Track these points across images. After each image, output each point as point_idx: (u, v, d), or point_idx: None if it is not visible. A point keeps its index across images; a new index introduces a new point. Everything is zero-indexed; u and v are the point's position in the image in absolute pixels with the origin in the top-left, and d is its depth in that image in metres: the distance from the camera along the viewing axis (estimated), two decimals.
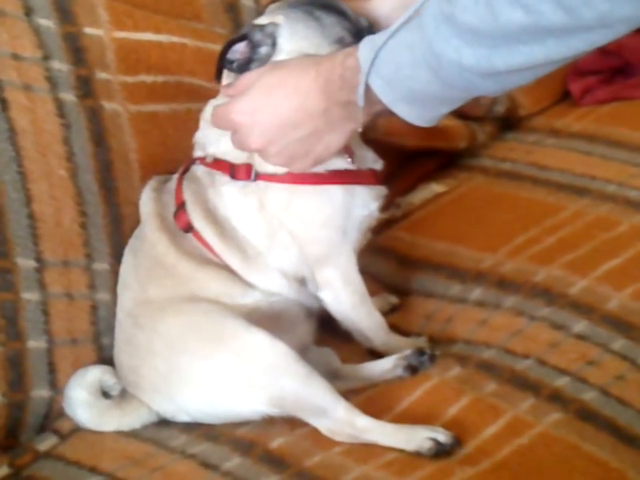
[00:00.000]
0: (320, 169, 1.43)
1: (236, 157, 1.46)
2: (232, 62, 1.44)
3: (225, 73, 1.47)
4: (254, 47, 1.43)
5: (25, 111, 1.49)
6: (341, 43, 1.41)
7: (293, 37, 1.43)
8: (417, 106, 1.26)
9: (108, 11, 1.60)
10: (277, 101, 1.34)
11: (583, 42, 1.09)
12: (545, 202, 1.76)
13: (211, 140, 1.49)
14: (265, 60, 1.43)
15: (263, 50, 1.43)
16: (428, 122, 1.28)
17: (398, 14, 1.31)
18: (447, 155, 2.01)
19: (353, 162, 1.46)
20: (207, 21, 1.74)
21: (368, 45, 1.26)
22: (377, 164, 1.52)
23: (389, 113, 1.27)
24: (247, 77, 1.40)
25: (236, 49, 1.44)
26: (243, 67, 1.44)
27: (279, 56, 1.43)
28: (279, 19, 1.45)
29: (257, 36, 1.43)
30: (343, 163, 1.46)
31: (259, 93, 1.36)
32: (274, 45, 1.43)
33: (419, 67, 1.20)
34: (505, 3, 1.09)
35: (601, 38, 1.08)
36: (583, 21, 1.06)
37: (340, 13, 1.45)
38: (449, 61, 1.16)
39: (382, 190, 1.52)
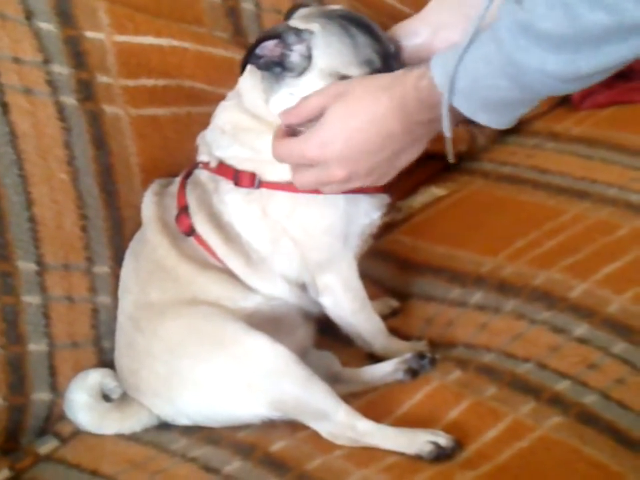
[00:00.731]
0: None
1: (241, 162, 1.47)
2: (259, 57, 1.42)
3: (248, 69, 1.46)
4: (285, 47, 1.42)
5: (26, 114, 1.49)
6: (370, 66, 1.41)
7: (327, 50, 1.42)
8: (496, 112, 1.27)
9: (109, 14, 1.60)
10: (354, 131, 1.34)
11: None
12: (545, 205, 1.76)
13: (221, 145, 1.49)
14: (299, 71, 1.42)
15: (296, 58, 1.42)
16: (507, 124, 1.30)
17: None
18: (447, 159, 2.01)
19: None
20: (208, 24, 1.75)
21: (439, 64, 1.27)
22: None
23: (469, 120, 1.29)
24: (308, 103, 1.39)
25: (266, 45, 1.42)
26: (270, 65, 1.43)
27: (313, 72, 1.42)
28: (315, 27, 1.43)
29: (291, 38, 1.42)
30: None
31: (333, 126, 1.35)
32: (309, 55, 1.42)
33: (497, 78, 1.21)
34: (585, 7, 1.10)
35: None
36: None
37: (372, 34, 1.44)
38: (531, 70, 1.17)
39: (384, 198, 1.51)
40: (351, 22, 1.44)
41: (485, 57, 1.22)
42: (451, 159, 1.38)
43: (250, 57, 1.43)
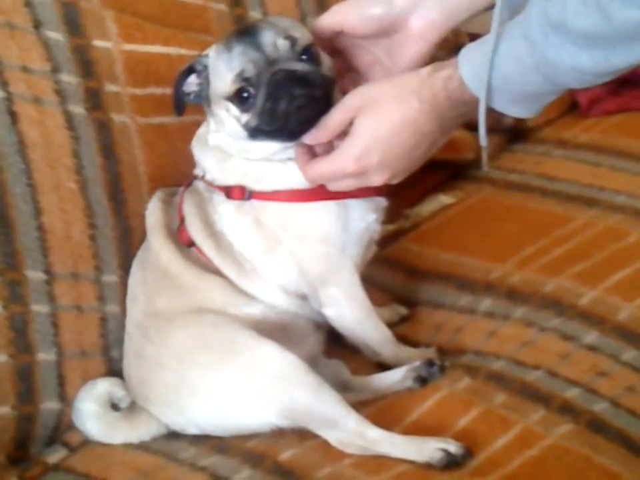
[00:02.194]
0: (309, 184, 1.44)
1: (225, 181, 1.47)
2: (188, 94, 1.46)
3: None
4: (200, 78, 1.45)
5: (35, 123, 1.49)
6: (241, 76, 1.39)
7: (214, 72, 1.44)
8: (526, 103, 1.30)
9: (117, 23, 1.60)
10: (389, 137, 1.35)
11: None
12: (553, 213, 1.76)
13: (206, 167, 1.50)
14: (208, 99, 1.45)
15: (204, 82, 1.44)
16: (535, 113, 1.32)
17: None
18: (455, 167, 2.01)
19: None
20: (216, 33, 1.74)
21: (467, 63, 1.28)
22: None
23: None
24: (333, 120, 1.38)
25: (190, 81, 1.46)
26: (200, 97, 1.46)
27: (211, 98, 1.44)
28: (212, 49, 1.45)
29: (197, 66, 1.45)
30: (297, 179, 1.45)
31: (365, 137, 1.35)
32: (207, 80, 1.44)
33: (530, 74, 1.23)
34: (618, 5, 1.10)
35: None
36: None
37: (254, 40, 1.39)
38: (565, 67, 1.19)
39: (381, 201, 1.51)
40: (239, 33, 1.43)
41: (516, 55, 1.23)
42: (485, 167, 1.39)
43: (178, 96, 1.46)
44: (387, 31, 1.43)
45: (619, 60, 1.16)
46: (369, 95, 1.37)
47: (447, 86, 1.31)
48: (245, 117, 1.41)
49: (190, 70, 1.45)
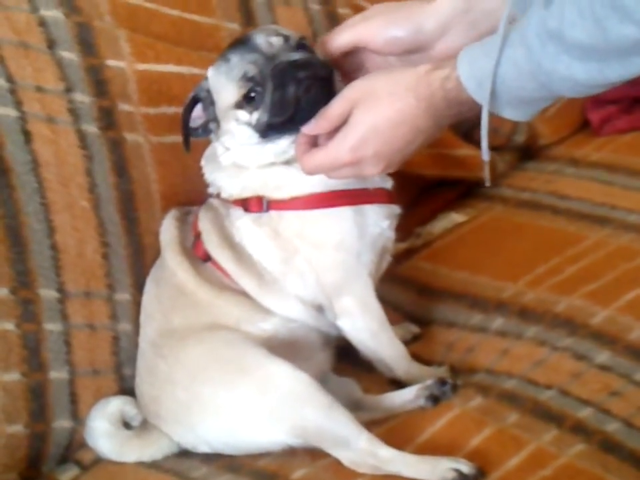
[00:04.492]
0: (328, 188, 1.45)
1: (242, 194, 1.48)
2: (197, 129, 1.48)
3: None
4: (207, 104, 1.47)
5: (48, 142, 1.50)
6: (244, 78, 1.42)
7: (216, 87, 1.46)
8: (521, 107, 1.30)
9: (130, 43, 1.61)
10: (385, 130, 1.35)
11: None
12: (565, 231, 1.76)
13: (221, 185, 1.51)
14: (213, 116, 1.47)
15: (209, 108, 1.47)
16: (530, 117, 1.33)
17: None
18: (467, 185, 2.01)
19: (384, 183, 1.51)
20: None
21: (465, 64, 1.29)
22: (387, 183, 1.52)
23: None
24: (331, 110, 1.39)
25: (195, 115, 1.48)
26: (206, 130, 1.48)
27: (220, 115, 1.46)
28: (209, 71, 1.47)
29: (201, 93, 1.47)
30: (351, 182, 1.46)
31: (362, 128, 1.36)
32: (212, 101, 1.46)
33: (525, 80, 1.24)
34: (615, 20, 1.11)
35: None
36: None
37: (248, 45, 1.43)
38: (560, 76, 1.20)
39: (394, 209, 1.52)
40: (231, 45, 1.46)
41: (513, 60, 1.24)
42: (487, 182, 1.40)
43: (186, 133, 1.47)
44: (409, 51, 1.44)
45: (613, 74, 1.17)
46: (366, 88, 1.38)
47: (444, 86, 1.32)
48: (256, 115, 1.43)
49: (194, 101, 1.47)
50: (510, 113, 1.31)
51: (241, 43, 1.45)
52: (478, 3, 1.40)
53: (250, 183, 1.49)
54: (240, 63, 1.42)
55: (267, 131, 1.43)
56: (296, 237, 1.47)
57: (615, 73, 1.17)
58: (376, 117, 1.35)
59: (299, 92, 1.39)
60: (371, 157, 1.36)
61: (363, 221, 1.48)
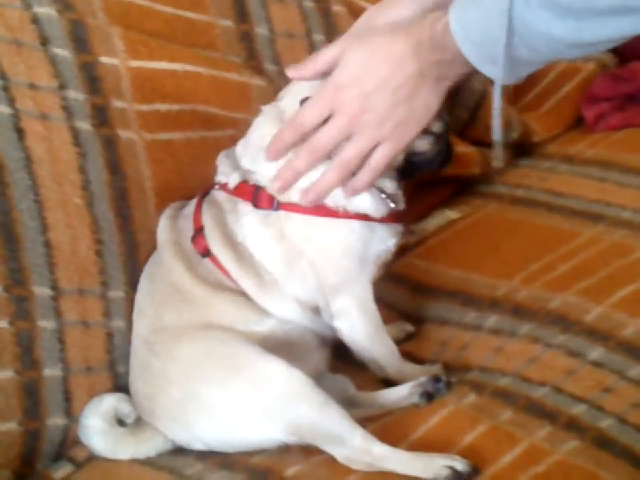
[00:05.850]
0: (342, 207, 1.45)
1: (264, 179, 1.47)
2: None
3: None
4: None
5: (41, 139, 1.49)
6: None
7: None
8: (502, 67, 1.28)
9: (123, 40, 1.60)
10: (373, 69, 1.35)
11: None
12: (559, 228, 1.76)
13: (253, 157, 1.49)
14: None
15: None
16: (511, 81, 1.32)
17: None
18: (461, 182, 2.01)
19: (397, 206, 1.51)
20: (222, 49, 1.75)
21: (458, 9, 1.29)
22: (401, 204, 1.53)
23: (476, 73, 1.32)
24: (325, 54, 1.39)
25: None
26: None
27: None
28: None
29: None
30: (371, 209, 1.47)
31: (352, 67, 1.36)
32: None
33: (507, 33, 1.24)
34: None
35: None
36: None
37: None
38: (538, 31, 1.21)
39: (398, 227, 1.53)
40: None
41: (498, 10, 1.24)
42: (499, 162, 1.39)
43: None
44: None
45: (588, 34, 1.19)
46: (364, 33, 1.39)
47: (433, 26, 1.32)
48: None
49: None
50: (490, 71, 1.30)
51: None
52: None
53: (274, 166, 1.47)
54: None
55: None
56: (302, 240, 1.46)
57: (591, 33, 1.19)
58: (365, 55, 1.35)
59: None
60: (353, 97, 1.35)
61: (370, 236, 1.48)
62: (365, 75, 1.35)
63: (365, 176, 1.42)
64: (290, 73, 1.42)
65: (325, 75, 1.40)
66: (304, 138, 1.42)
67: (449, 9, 1.29)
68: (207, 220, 1.50)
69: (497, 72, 1.29)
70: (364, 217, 1.47)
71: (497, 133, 1.34)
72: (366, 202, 1.47)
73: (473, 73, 1.35)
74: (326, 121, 1.39)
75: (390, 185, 1.50)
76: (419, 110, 1.38)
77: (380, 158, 1.41)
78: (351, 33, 1.43)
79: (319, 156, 1.42)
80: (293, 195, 1.46)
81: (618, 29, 1.18)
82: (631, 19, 1.16)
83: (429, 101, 1.37)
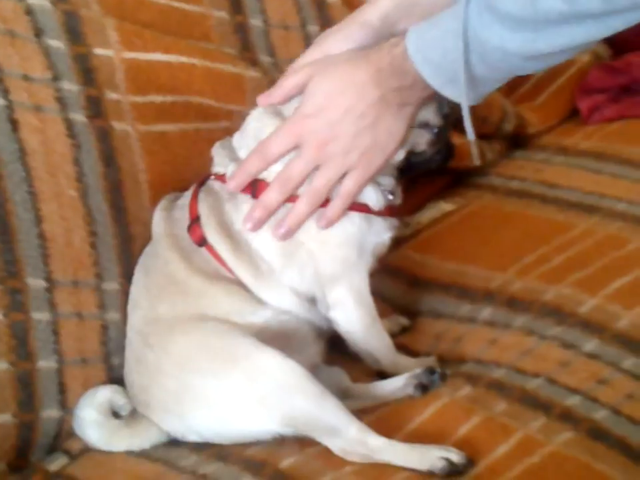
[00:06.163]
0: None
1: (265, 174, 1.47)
2: None
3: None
4: None
5: (35, 131, 1.49)
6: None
7: None
8: (462, 87, 1.29)
9: (118, 31, 1.60)
10: (337, 98, 1.36)
11: (621, 22, 1.15)
12: (554, 220, 1.76)
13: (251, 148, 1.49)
14: None
15: None
16: (473, 101, 1.32)
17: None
18: (456, 174, 2.01)
19: (394, 200, 1.52)
20: (216, 41, 1.75)
21: (415, 33, 1.30)
22: (397, 199, 1.53)
23: (438, 96, 1.33)
24: (292, 80, 1.41)
25: None
26: None
27: None
28: None
29: None
30: (373, 200, 1.47)
31: (317, 96, 1.37)
32: None
33: (464, 52, 1.25)
34: None
35: (638, 17, 1.14)
36: (617, 6, 1.12)
37: None
38: (493, 46, 1.22)
39: (395, 221, 1.53)
40: None
41: (455, 30, 1.25)
42: (476, 161, 1.41)
43: None
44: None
45: (542, 44, 1.20)
46: (325, 60, 1.40)
47: (391, 51, 1.33)
48: None
49: None
50: (451, 92, 1.31)
51: None
52: None
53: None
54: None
55: None
56: (301, 231, 1.46)
57: (545, 43, 1.20)
58: (328, 84, 1.36)
59: None
60: (323, 127, 1.36)
61: (368, 228, 1.49)
62: (330, 104, 1.37)
63: (337, 205, 1.43)
64: (260, 100, 1.44)
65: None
66: (268, 169, 1.44)
67: (406, 33, 1.31)
68: (204, 209, 1.50)
69: (458, 92, 1.30)
70: (365, 209, 1.47)
71: (470, 134, 1.35)
72: (370, 193, 1.47)
73: (434, 97, 1.36)
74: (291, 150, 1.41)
75: (389, 182, 1.50)
76: (383, 137, 1.39)
77: (349, 186, 1.42)
78: (314, 59, 1.43)
79: (289, 189, 1.43)
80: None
81: (570, 38, 1.18)
82: (582, 26, 1.17)
83: (392, 128, 1.38)
